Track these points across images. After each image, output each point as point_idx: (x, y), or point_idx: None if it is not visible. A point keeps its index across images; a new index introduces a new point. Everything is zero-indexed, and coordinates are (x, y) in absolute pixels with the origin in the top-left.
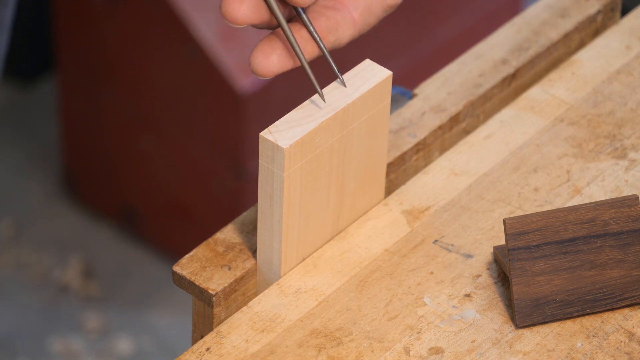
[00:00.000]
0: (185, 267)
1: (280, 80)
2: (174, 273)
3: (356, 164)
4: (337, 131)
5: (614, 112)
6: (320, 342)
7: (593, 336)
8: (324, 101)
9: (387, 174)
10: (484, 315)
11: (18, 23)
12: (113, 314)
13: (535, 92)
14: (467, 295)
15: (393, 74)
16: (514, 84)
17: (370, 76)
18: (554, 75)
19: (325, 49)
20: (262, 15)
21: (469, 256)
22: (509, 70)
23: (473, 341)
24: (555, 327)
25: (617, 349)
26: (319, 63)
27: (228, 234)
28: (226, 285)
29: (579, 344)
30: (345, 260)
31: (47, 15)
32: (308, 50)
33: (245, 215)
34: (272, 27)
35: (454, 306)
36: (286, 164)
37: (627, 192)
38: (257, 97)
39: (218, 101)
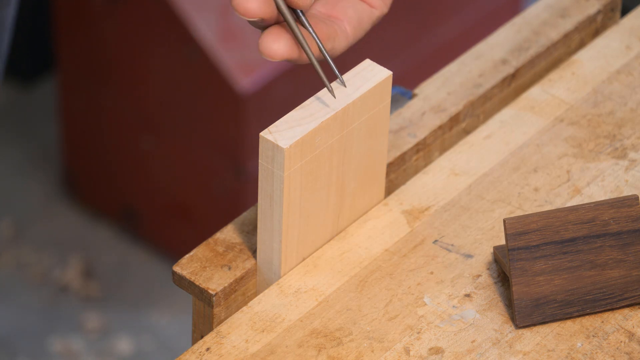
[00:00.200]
0: (185, 267)
1: (280, 80)
2: (174, 273)
3: (356, 164)
4: (337, 131)
5: (614, 112)
6: (320, 342)
7: (593, 336)
8: (334, 97)
9: (387, 174)
10: (484, 315)
11: (18, 23)
12: (113, 314)
13: (535, 92)
14: (467, 295)
15: (393, 74)
16: (514, 84)
17: (370, 76)
18: (554, 75)
19: (325, 51)
20: (272, 9)
21: (469, 256)
22: (509, 70)
23: (473, 341)
24: (555, 327)
25: (617, 349)
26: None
27: (228, 234)
28: (226, 285)
29: (579, 344)
30: (345, 260)
31: (47, 15)
32: (311, 48)
33: (245, 215)
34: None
35: (454, 306)
36: (286, 164)
37: (627, 192)
38: (257, 97)
39: (218, 101)
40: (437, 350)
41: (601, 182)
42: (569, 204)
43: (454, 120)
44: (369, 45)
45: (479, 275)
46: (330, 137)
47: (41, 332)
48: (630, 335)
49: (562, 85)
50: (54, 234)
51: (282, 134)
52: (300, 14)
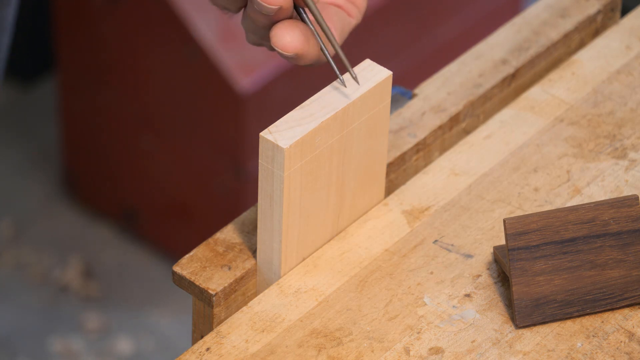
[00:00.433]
0: (185, 267)
1: (280, 80)
2: (174, 273)
3: (356, 164)
4: (337, 131)
5: (614, 112)
6: (320, 342)
7: (593, 336)
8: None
9: (387, 174)
10: (484, 315)
11: (18, 23)
12: (113, 314)
13: (535, 92)
14: (467, 295)
15: (393, 74)
16: (514, 84)
17: (370, 76)
18: (554, 75)
19: (338, 45)
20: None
21: (469, 256)
22: (509, 70)
23: (473, 341)
24: (555, 327)
25: (617, 349)
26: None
27: (228, 234)
28: (226, 285)
29: (579, 344)
30: (345, 260)
31: (47, 15)
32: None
33: (245, 215)
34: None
35: (454, 306)
36: (286, 164)
37: (627, 192)
38: (257, 97)
39: (218, 101)
40: (437, 350)
41: (601, 182)
42: (569, 204)
43: (454, 120)
44: (369, 45)
45: (479, 275)
46: (330, 137)
47: (41, 332)
48: (630, 335)
49: (562, 85)
50: (54, 234)
51: (282, 134)
52: (314, 8)
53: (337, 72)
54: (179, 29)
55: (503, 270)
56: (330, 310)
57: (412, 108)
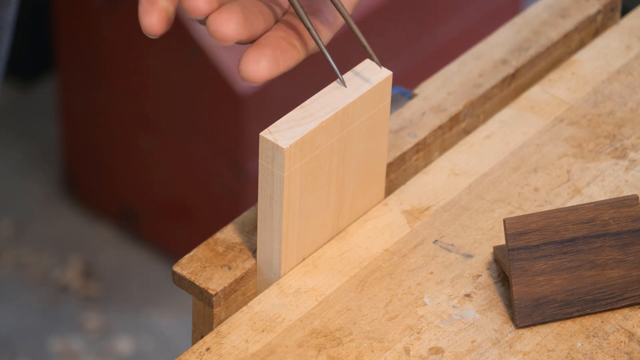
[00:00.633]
0: (185, 267)
1: (280, 80)
2: (174, 273)
3: (356, 164)
4: (337, 131)
5: (614, 112)
6: (320, 342)
7: (593, 336)
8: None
9: (387, 174)
10: (484, 315)
11: (18, 23)
12: (113, 314)
13: (535, 92)
14: (467, 295)
15: (393, 74)
16: (514, 84)
17: (370, 76)
18: (554, 75)
19: (323, 45)
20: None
21: (469, 256)
22: (509, 70)
23: (473, 341)
24: (555, 327)
25: (617, 349)
26: (318, 63)
27: (228, 234)
28: (226, 285)
29: (579, 344)
30: (345, 260)
31: (47, 15)
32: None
33: (245, 215)
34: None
35: (454, 306)
36: (286, 164)
37: (627, 192)
38: (257, 97)
39: (218, 101)
40: (437, 350)
41: (601, 182)
42: (569, 204)
43: (454, 120)
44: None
45: (479, 275)
46: (330, 137)
47: (41, 332)
48: (630, 335)
49: (562, 85)
50: (54, 234)
51: (282, 134)
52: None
53: (337, 72)
54: (179, 29)
55: (503, 270)
56: (330, 310)
57: (412, 108)
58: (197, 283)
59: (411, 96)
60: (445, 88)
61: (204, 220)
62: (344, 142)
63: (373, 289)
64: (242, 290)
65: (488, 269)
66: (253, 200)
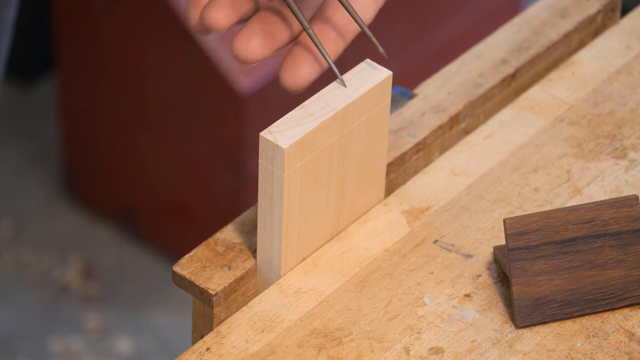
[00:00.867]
0: (185, 267)
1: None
2: (174, 273)
3: (356, 164)
4: (337, 131)
5: (614, 112)
6: (320, 342)
7: (593, 336)
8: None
9: (387, 174)
10: (484, 315)
11: (18, 23)
12: (113, 314)
13: (535, 92)
14: (467, 295)
15: (393, 74)
16: (514, 84)
17: (370, 76)
18: (554, 75)
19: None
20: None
21: (469, 256)
22: (509, 70)
23: (473, 341)
24: (555, 327)
25: (617, 349)
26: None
27: (228, 234)
28: (226, 285)
29: (579, 344)
30: (345, 260)
31: (47, 15)
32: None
33: (245, 215)
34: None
35: (454, 306)
36: (286, 164)
37: (627, 192)
38: (257, 97)
39: (218, 101)
40: (437, 350)
41: (601, 182)
42: (569, 204)
43: (454, 120)
44: (369, 45)
45: (479, 275)
46: (330, 137)
47: (41, 332)
48: (630, 335)
49: (562, 85)
50: (54, 234)
51: (282, 134)
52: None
53: (337, 73)
54: (179, 29)
55: (503, 270)
56: (330, 310)
57: (412, 108)
58: (197, 283)
59: (411, 96)
60: (445, 88)
61: (204, 220)
62: (344, 142)
63: (373, 289)
64: (242, 290)
65: (488, 269)
66: (253, 200)
